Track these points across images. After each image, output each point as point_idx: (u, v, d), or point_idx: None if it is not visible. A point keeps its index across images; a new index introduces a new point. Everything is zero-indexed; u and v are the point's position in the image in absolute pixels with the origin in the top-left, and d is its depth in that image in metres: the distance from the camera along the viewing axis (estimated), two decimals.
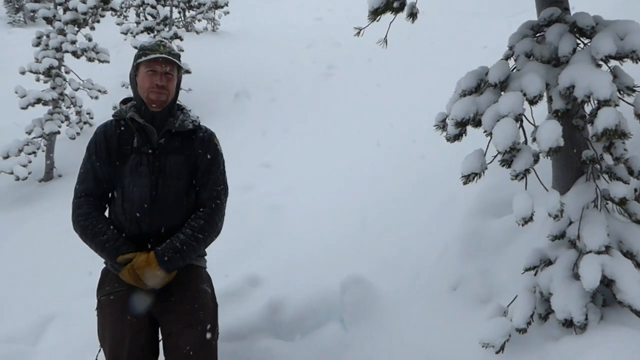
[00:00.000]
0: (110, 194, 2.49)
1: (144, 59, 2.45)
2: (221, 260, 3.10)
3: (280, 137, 7.92)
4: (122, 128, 2.49)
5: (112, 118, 2.55)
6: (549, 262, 2.64)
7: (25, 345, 3.97)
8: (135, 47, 10.77)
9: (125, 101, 2.61)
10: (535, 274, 2.67)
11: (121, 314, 2.34)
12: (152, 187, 2.39)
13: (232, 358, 2.99)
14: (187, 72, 9.79)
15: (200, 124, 2.61)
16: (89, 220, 2.37)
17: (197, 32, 14.53)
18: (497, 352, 2.52)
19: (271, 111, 9.41)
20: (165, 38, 10.79)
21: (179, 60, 2.54)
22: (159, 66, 2.45)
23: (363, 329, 3.10)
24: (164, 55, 2.43)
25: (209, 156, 2.52)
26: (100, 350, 2.47)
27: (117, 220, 2.42)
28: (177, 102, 2.61)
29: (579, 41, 2.62)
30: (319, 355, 3.01)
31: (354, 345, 3.02)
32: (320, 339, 3.10)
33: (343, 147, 6.62)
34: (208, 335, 2.40)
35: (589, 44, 2.56)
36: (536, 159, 2.46)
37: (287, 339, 3.18)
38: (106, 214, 2.49)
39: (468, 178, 2.50)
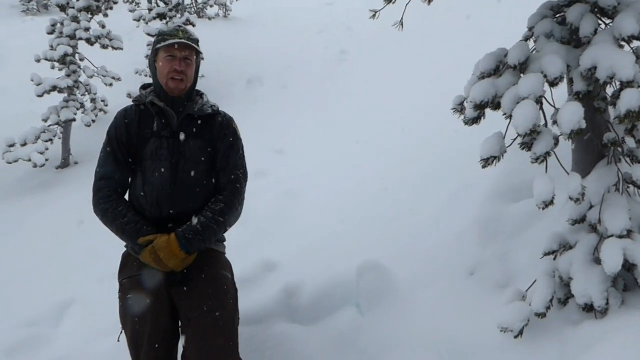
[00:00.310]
0: (130, 178, 2.51)
1: (162, 44, 2.44)
2: (236, 245, 3.10)
3: (293, 123, 7.89)
4: (142, 112, 2.50)
5: (131, 103, 2.57)
6: (568, 247, 2.61)
7: (47, 328, 4.04)
8: (148, 34, 10.78)
9: (144, 86, 2.62)
10: (554, 259, 2.65)
11: (142, 298, 2.36)
12: (172, 170, 2.40)
13: (248, 342, 3.01)
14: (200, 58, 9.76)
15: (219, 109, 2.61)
16: (109, 203, 2.39)
17: (209, 18, 14.48)
18: (515, 337, 2.51)
19: (284, 97, 9.37)
20: (178, 24, 10.77)
21: (198, 45, 2.52)
22: (177, 51, 2.44)
23: (379, 314, 3.10)
24: (182, 40, 2.43)
25: (228, 140, 2.53)
26: (121, 332, 2.50)
27: (137, 203, 2.44)
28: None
29: (600, 21, 2.56)
30: (335, 339, 3.01)
31: (370, 330, 3.02)
32: (336, 324, 3.10)
33: (357, 131, 6.58)
34: (229, 321, 2.42)
35: (610, 24, 2.50)
36: (556, 142, 2.42)
37: (303, 323, 3.19)
38: (126, 197, 2.51)
39: (487, 161, 2.47)
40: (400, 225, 3.94)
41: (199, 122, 2.51)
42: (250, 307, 3.18)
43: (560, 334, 2.44)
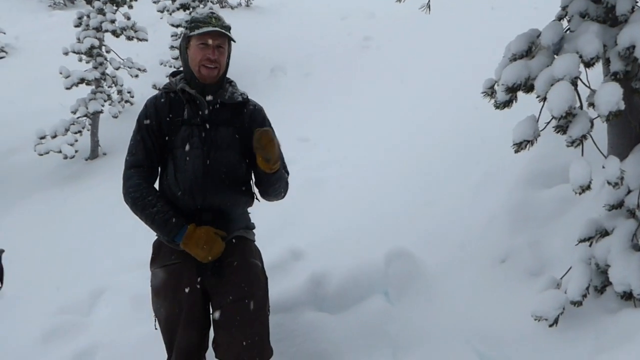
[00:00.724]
0: (160, 166, 2.49)
1: (196, 32, 2.42)
2: (264, 234, 3.10)
3: (317, 110, 7.85)
4: (172, 100, 2.48)
5: (161, 90, 2.55)
6: (605, 233, 2.53)
7: (79, 316, 4.12)
8: (172, 25, 10.83)
9: (174, 74, 2.61)
10: (590, 245, 2.57)
11: (176, 287, 2.36)
12: (204, 158, 2.39)
13: (276, 330, 3.01)
14: None
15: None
16: (139, 192, 2.38)
17: (232, 8, 14.48)
18: (550, 326, 2.46)
19: (307, 85, 9.33)
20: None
21: (230, 33, 2.50)
22: (211, 39, 2.42)
23: (408, 302, 3.06)
24: (216, 29, 2.40)
25: (263, 127, 2.51)
26: (156, 320, 2.50)
27: (170, 192, 2.42)
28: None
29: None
30: (364, 327, 2.99)
31: (400, 318, 2.98)
32: (364, 312, 3.08)
33: (382, 118, 6.51)
34: (260, 309, 2.42)
35: None
36: (591, 125, 2.34)
37: (331, 312, 3.17)
38: (156, 185, 2.50)
39: (520, 146, 2.40)
40: (429, 212, 3.88)
41: (230, 110, 2.50)
42: (278, 296, 3.18)
43: (597, 323, 2.38)
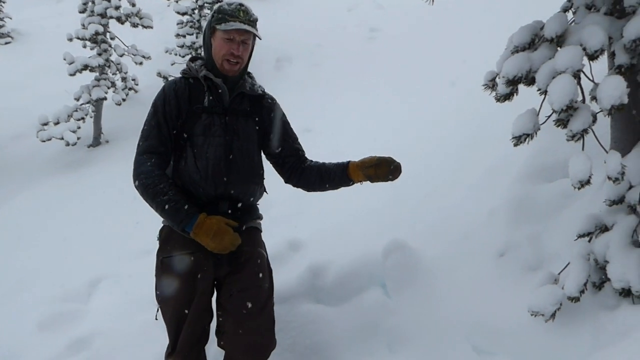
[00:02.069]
0: (174, 153, 2.44)
1: (223, 26, 2.38)
2: (263, 224, 3.09)
3: (322, 101, 7.82)
4: (192, 86, 2.45)
5: (180, 76, 2.52)
6: (605, 229, 2.50)
7: (78, 304, 4.13)
8: (178, 12, 10.79)
9: (193, 59, 2.57)
10: (589, 241, 2.54)
11: (188, 277, 2.33)
12: (227, 147, 2.38)
13: None
14: None
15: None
16: (151, 179, 2.32)
17: None
18: (547, 321, 2.43)
19: (313, 76, 9.29)
20: (207, 2, 10.75)
21: (256, 27, 2.47)
22: (237, 34, 2.39)
23: (406, 295, 3.04)
24: (245, 27, 2.38)
25: (281, 119, 2.60)
26: (158, 310, 2.46)
27: (189, 179, 2.37)
28: None
29: None
30: (361, 320, 2.98)
31: (397, 311, 2.97)
32: (362, 305, 3.07)
33: (387, 110, 6.47)
34: (268, 299, 2.43)
35: None
36: (594, 119, 2.30)
37: (329, 304, 3.16)
38: (170, 172, 2.44)
39: (519, 139, 2.36)
40: (429, 206, 3.86)
41: (249, 102, 2.50)
42: (276, 287, 3.17)
43: (595, 319, 2.35)
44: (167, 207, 2.28)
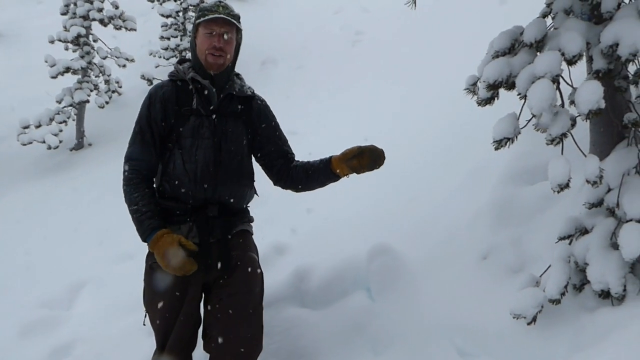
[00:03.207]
0: (161, 158, 2.43)
1: (202, 19, 2.40)
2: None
3: (307, 104, 7.82)
4: (180, 89, 2.45)
5: (167, 78, 2.51)
6: (585, 231, 2.53)
7: (60, 310, 4.08)
8: (162, 15, 10.73)
9: (180, 62, 2.57)
10: (570, 243, 2.57)
11: (177, 282, 2.32)
12: (215, 149, 2.37)
13: None
14: None
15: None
16: (130, 186, 2.36)
17: None
18: (528, 324, 2.45)
19: (298, 78, 9.29)
20: (192, 5, 10.70)
21: (239, 22, 2.47)
22: (217, 27, 2.40)
23: (390, 298, 3.06)
24: (222, 16, 2.38)
25: (272, 121, 2.60)
26: (146, 315, 2.45)
27: (178, 182, 2.36)
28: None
29: None
30: (345, 324, 2.98)
31: (381, 315, 2.98)
32: (346, 309, 3.07)
33: (371, 113, 6.48)
34: (258, 304, 2.42)
35: None
36: (573, 123, 2.33)
37: (313, 307, 3.16)
38: (159, 176, 2.44)
39: (500, 143, 2.39)
40: (412, 209, 3.88)
41: (238, 103, 2.49)
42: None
43: (575, 321, 2.38)
44: (134, 216, 2.33)
